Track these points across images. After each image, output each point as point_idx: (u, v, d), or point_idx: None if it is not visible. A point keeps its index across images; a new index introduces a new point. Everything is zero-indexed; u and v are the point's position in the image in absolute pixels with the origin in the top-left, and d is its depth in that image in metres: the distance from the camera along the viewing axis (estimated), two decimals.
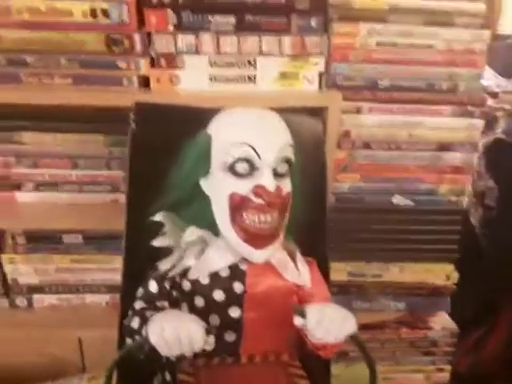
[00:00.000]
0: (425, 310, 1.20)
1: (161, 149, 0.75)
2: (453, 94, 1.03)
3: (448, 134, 1.06)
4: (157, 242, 0.71)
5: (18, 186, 1.08)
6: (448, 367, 1.23)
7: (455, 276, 1.16)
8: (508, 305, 1.28)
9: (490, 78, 1.28)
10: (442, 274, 1.16)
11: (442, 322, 1.20)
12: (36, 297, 1.14)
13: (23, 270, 1.11)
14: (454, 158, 1.08)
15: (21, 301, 1.14)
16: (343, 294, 1.15)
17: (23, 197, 1.08)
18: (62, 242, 1.10)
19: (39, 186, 1.08)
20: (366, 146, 1.05)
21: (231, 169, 0.65)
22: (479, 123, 1.05)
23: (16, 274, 1.12)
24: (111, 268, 1.11)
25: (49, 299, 1.14)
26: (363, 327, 1.15)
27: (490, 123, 1.23)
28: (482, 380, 1.26)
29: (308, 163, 0.77)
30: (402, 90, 1.02)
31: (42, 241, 1.09)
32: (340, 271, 1.13)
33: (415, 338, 1.21)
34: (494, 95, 1.25)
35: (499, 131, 1.24)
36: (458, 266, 1.17)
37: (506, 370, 1.26)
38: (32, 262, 1.11)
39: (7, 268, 1.11)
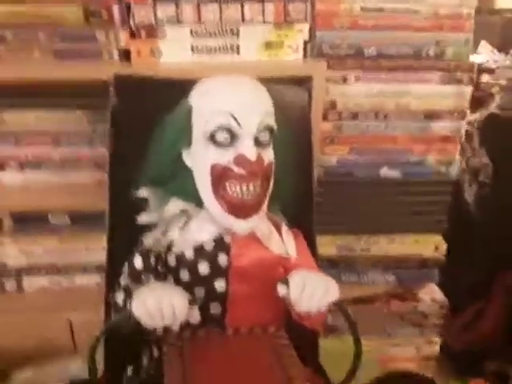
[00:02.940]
0: (414, 282, 1.20)
1: (143, 122, 0.73)
2: (440, 60, 1.02)
3: (436, 102, 1.05)
4: (142, 218, 0.71)
5: (1, 167, 1.07)
6: (438, 339, 1.24)
7: (444, 247, 1.16)
8: (502, 281, 1.27)
9: (487, 54, 1.27)
10: (431, 245, 1.17)
11: (431, 294, 1.21)
12: (26, 280, 1.14)
13: (11, 252, 1.11)
14: (442, 126, 1.07)
15: (11, 284, 1.13)
16: (332, 267, 1.15)
17: (7, 177, 1.08)
18: (49, 222, 1.09)
19: (23, 166, 1.07)
20: (353, 116, 1.04)
21: (212, 138, 0.64)
22: (467, 90, 1.04)
23: (4, 257, 1.11)
24: (100, 248, 1.04)
25: (39, 282, 1.14)
26: (353, 301, 1.15)
27: (486, 99, 1.22)
28: (479, 356, 1.26)
29: (294, 134, 0.76)
30: (389, 57, 1.01)
31: (28, 222, 1.09)
32: (329, 245, 1.13)
33: (405, 311, 1.21)
34: (491, 71, 1.23)
35: (494, 106, 1.23)
36: (451, 242, 1.16)
37: (501, 345, 1.27)
38: (19, 243, 1.10)
39: None
